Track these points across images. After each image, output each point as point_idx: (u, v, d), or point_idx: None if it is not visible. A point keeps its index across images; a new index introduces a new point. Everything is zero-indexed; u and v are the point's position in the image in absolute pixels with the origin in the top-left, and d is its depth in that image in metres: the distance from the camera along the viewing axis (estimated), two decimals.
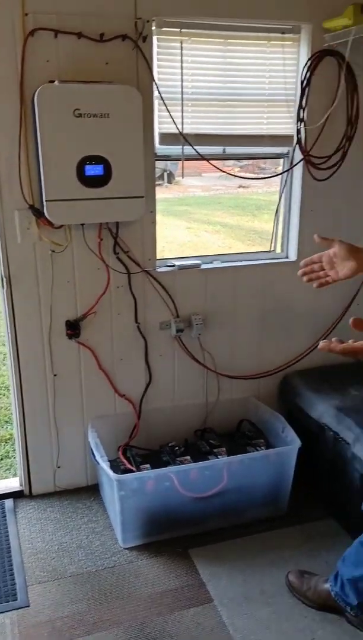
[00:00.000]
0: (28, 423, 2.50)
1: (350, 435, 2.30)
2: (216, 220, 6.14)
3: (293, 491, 2.51)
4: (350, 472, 2.27)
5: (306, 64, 2.36)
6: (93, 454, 2.37)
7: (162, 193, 5.19)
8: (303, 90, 2.38)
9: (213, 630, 1.96)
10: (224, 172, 2.51)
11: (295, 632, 1.95)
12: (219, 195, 6.60)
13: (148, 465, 2.41)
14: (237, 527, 2.43)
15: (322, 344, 1.20)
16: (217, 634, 1.95)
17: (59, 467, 2.60)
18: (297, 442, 2.40)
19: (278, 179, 2.66)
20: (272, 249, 2.78)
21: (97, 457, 2.31)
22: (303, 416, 2.59)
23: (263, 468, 2.44)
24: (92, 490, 2.66)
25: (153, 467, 2.37)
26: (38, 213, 2.20)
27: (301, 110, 2.41)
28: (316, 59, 2.35)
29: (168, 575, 2.19)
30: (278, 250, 2.76)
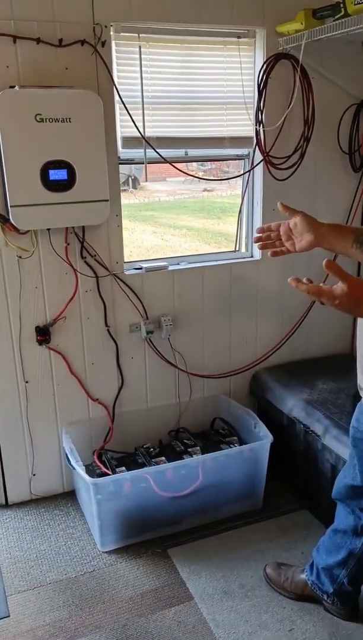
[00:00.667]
0: (1, 431, 2.48)
1: (319, 427, 2.35)
2: (182, 224, 6.17)
3: (268, 485, 2.55)
4: (321, 462, 2.32)
5: (262, 67, 2.42)
6: (68, 459, 2.36)
7: (127, 198, 5.20)
8: (260, 92, 2.43)
9: (195, 627, 1.97)
10: (187, 174, 2.55)
11: (275, 623, 1.98)
12: (184, 199, 6.64)
13: (123, 468, 2.41)
14: (214, 524, 2.46)
15: (291, 279, 1.19)
16: (199, 630, 1.96)
17: (34, 475, 2.58)
18: (269, 437, 2.44)
19: (241, 181, 2.71)
20: (237, 249, 2.83)
21: (73, 463, 2.31)
22: (274, 411, 2.64)
23: (237, 464, 2.47)
24: (69, 497, 2.65)
25: (129, 469, 2.38)
26: (3, 219, 2.19)
27: (260, 112, 2.46)
28: (271, 62, 2.41)
29: (148, 576, 2.20)
30: (243, 250, 2.81)
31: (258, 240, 1.60)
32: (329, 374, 2.75)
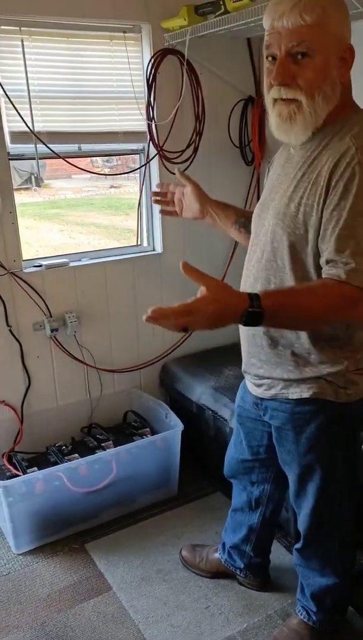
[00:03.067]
0: None
1: (226, 411, 2.43)
2: (89, 221, 6.13)
3: (182, 472, 2.61)
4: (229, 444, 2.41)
5: (149, 62, 2.45)
6: None
7: (31, 197, 5.09)
8: (149, 87, 2.47)
9: (114, 616, 2.00)
10: (83, 170, 2.53)
11: (192, 602, 2.04)
12: (91, 196, 6.58)
13: (35, 469, 2.38)
14: (131, 515, 2.48)
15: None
16: (118, 618, 1.99)
17: None
18: (180, 426, 2.50)
19: None
20: (139, 243, 2.86)
21: None
22: (184, 400, 2.70)
23: (150, 454, 2.51)
24: None
25: (41, 469, 2.34)
26: None
27: (150, 108, 2.50)
28: (159, 58, 2.45)
29: (66, 572, 2.20)
30: (145, 243, 2.84)
31: (155, 194, 1.77)
32: (235, 360, 2.80)
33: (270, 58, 1.34)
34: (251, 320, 1.22)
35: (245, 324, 1.23)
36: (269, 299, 1.23)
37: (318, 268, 1.37)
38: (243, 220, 1.70)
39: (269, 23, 1.31)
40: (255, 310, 1.21)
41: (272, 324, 1.33)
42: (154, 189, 1.80)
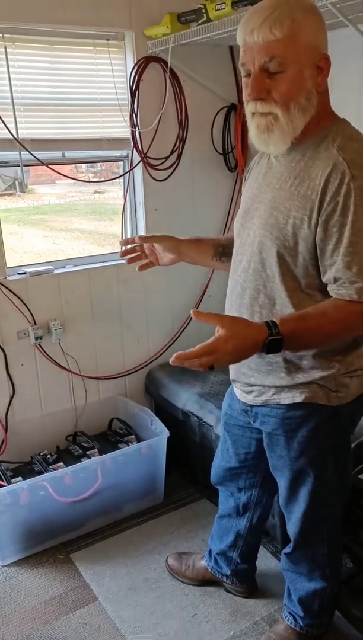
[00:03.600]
0: None
1: (212, 418, 2.43)
2: (73, 227, 6.10)
3: (168, 479, 2.60)
4: (216, 452, 2.41)
5: (133, 69, 2.45)
6: None
7: (15, 202, 5.05)
8: (133, 94, 2.47)
9: (101, 627, 1.98)
10: (66, 176, 2.52)
11: (179, 611, 2.03)
12: (75, 201, 6.55)
13: (19, 478, 2.36)
14: (117, 524, 2.47)
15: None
16: (105, 629, 1.97)
17: None
18: (165, 432, 2.49)
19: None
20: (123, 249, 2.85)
21: None
22: (169, 407, 2.70)
23: (136, 462, 2.50)
24: None
25: (26, 479, 2.32)
26: None
27: (134, 115, 2.50)
28: (142, 65, 2.45)
29: (51, 583, 2.18)
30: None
31: (125, 253, 1.70)
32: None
33: (246, 73, 1.36)
34: (272, 347, 1.27)
35: (267, 352, 1.27)
36: (286, 325, 1.28)
37: (308, 277, 1.40)
38: (221, 249, 1.70)
39: (241, 38, 1.33)
40: (275, 338, 1.25)
41: (289, 349, 1.35)
42: (122, 251, 1.72)
